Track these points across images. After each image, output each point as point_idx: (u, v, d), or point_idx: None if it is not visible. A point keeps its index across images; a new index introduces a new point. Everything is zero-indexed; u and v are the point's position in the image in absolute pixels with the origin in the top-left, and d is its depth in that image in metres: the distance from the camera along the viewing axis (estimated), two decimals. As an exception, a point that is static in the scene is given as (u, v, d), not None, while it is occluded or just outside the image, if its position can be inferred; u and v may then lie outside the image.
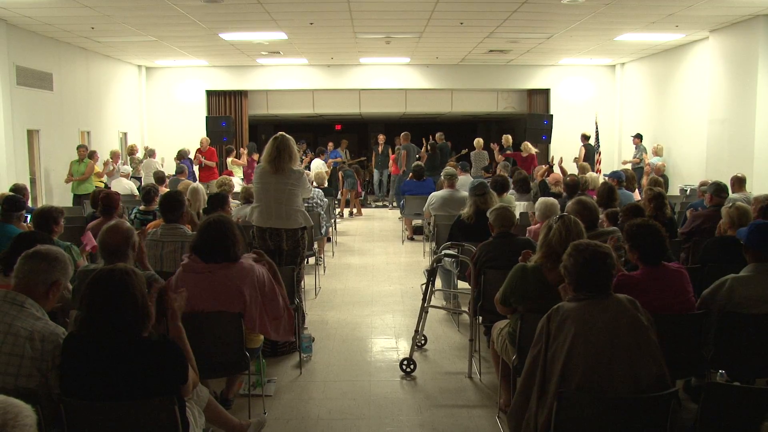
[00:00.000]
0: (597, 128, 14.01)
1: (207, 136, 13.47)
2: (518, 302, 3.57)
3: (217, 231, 3.64)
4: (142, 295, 2.52)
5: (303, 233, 5.31)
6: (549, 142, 14.20)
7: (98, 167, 11.11)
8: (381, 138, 15.06)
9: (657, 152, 12.09)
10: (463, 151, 14.64)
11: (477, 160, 13.44)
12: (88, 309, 2.49)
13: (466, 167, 10.85)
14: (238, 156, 13.50)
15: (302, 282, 5.61)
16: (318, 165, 12.33)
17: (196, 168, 12.23)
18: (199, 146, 12.63)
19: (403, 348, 5.18)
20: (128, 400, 2.46)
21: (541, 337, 2.70)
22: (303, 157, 13.77)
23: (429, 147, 13.27)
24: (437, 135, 14.43)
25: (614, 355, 2.57)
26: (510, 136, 13.73)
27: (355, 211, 13.81)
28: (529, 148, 12.46)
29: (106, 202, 5.35)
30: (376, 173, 15.26)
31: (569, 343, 2.59)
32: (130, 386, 2.46)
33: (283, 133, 5.27)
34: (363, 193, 15.02)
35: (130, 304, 2.47)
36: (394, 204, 13.69)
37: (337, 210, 12.68)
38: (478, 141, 13.90)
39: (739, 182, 7.09)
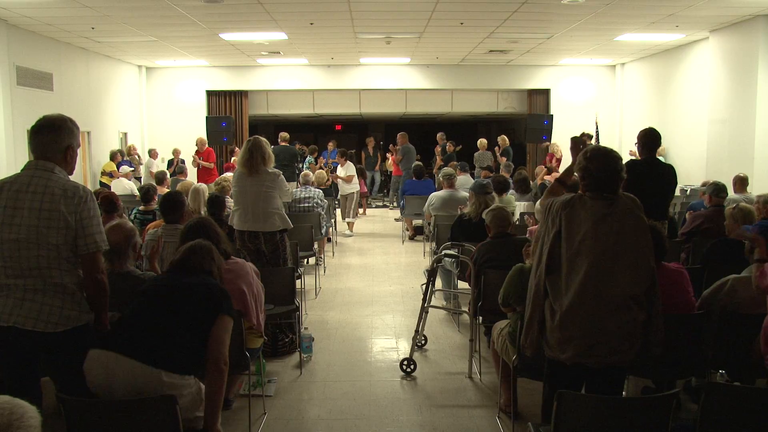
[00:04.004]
0: (597, 128, 14.01)
1: (207, 136, 13.46)
2: (517, 302, 3.58)
3: (200, 231, 3.67)
4: (216, 239, 3.25)
5: (282, 236, 5.26)
6: (549, 142, 14.19)
7: (112, 166, 11.18)
8: (371, 141, 15.31)
9: (659, 153, 12.07)
10: (457, 148, 14.65)
11: (480, 160, 13.45)
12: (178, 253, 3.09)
13: (465, 167, 10.85)
14: None
15: (300, 282, 5.61)
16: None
17: (194, 170, 12.24)
18: (196, 147, 12.62)
19: (404, 348, 5.18)
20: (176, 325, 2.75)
21: (555, 221, 2.89)
22: (310, 161, 13.78)
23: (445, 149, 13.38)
24: (438, 135, 14.44)
25: (617, 252, 2.80)
26: (506, 137, 13.72)
27: (360, 211, 13.82)
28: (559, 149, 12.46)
29: (106, 201, 5.36)
30: (368, 174, 15.32)
31: (581, 236, 2.81)
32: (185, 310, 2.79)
33: (257, 135, 5.30)
34: (368, 193, 15.03)
35: (208, 250, 3.08)
36: (395, 204, 13.68)
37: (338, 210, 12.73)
38: (482, 141, 13.89)
39: (741, 182, 7.05)
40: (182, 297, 2.83)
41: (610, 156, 2.95)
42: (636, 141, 5.59)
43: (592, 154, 2.95)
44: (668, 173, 5.53)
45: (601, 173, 2.89)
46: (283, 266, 5.21)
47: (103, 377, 2.62)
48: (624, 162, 3.03)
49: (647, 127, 5.59)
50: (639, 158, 5.54)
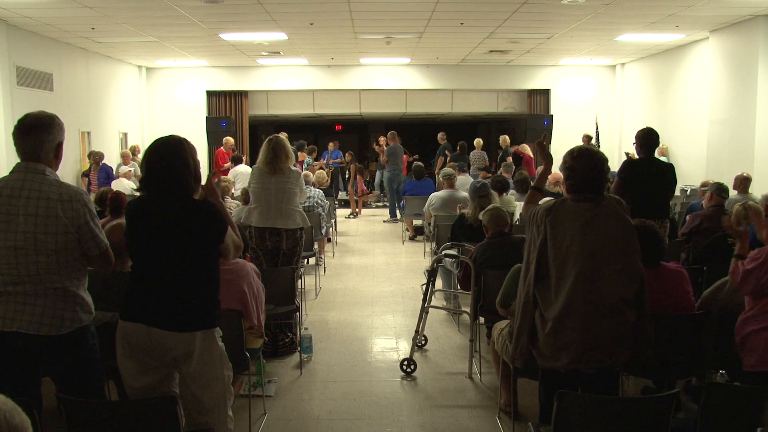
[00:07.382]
0: (597, 128, 14.02)
1: (207, 136, 13.43)
2: (517, 302, 3.57)
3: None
4: (193, 160, 2.76)
5: (301, 233, 5.34)
6: (549, 142, 14.16)
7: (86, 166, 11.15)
8: (382, 140, 15.14)
9: (662, 153, 12.07)
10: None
11: (476, 160, 13.43)
12: (147, 173, 2.73)
13: (463, 168, 10.85)
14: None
15: (300, 282, 5.61)
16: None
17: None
18: (223, 148, 12.47)
19: (404, 348, 5.18)
20: (178, 254, 2.68)
21: (540, 229, 2.87)
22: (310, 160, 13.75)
23: (458, 148, 13.30)
24: (439, 135, 14.42)
25: (605, 256, 2.78)
26: (507, 137, 13.71)
27: (357, 211, 13.83)
28: (527, 149, 12.46)
29: (114, 201, 5.34)
30: (378, 174, 15.27)
31: (568, 242, 2.79)
32: (180, 240, 2.67)
33: (277, 134, 5.34)
34: (367, 192, 15.00)
35: (183, 165, 2.70)
36: (386, 203, 13.60)
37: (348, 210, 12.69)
38: (478, 141, 13.91)
39: (744, 182, 6.96)
40: (188, 241, 2.69)
41: (597, 155, 2.95)
42: (634, 141, 5.58)
43: (578, 153, 2.93)
44: (667, 172, 5.52)
45: (589, 172, 2.88)
46: (297, 264, 5.27)
47: (136, 349, 2.68)
48: (623, 162, 3.04)
49: (645, 126, 5.59)
50: (637, 158, 5.54)
